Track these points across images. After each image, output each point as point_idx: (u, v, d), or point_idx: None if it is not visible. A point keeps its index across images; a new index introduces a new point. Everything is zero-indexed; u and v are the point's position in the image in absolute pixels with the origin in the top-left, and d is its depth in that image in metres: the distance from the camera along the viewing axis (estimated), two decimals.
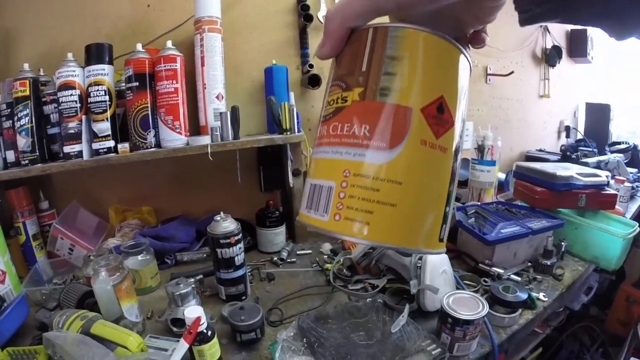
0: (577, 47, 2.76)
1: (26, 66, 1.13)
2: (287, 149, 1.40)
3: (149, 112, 1.19)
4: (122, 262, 0.93)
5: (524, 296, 0.95)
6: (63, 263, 1.24)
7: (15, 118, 1.13)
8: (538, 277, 1.15)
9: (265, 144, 1.33)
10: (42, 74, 1.20)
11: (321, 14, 1.55)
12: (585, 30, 2.70)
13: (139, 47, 1.19)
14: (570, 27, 2.74)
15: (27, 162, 1.14)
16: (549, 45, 2.60)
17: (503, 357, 1.14)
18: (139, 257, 1.14)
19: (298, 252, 1.40)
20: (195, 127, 1.32)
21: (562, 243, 1.25)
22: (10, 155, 1.16)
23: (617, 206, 1.44)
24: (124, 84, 1.22)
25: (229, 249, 1.02)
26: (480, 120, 2.03)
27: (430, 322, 0.93)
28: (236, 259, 1.04)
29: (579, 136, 2.76)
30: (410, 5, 0.32)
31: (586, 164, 1.91)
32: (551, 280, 1.14)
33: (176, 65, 1.20)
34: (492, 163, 1.62)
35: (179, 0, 1.39)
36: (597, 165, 2.06)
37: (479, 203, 1.52)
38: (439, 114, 0.31)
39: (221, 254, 1.02)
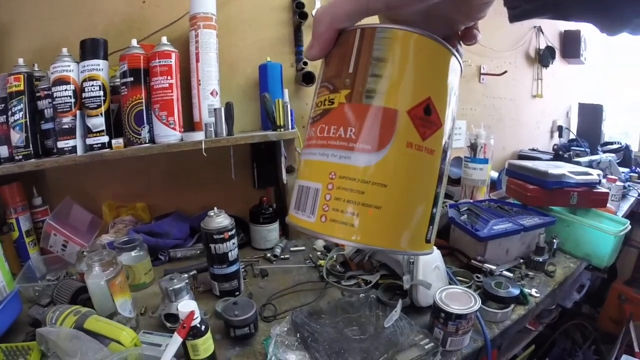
0: (571, 48, 2.78)
1: (21, 61, 1.13)
2: (280, 146, 1.40)
3: (144, 108, 1.19)
4: (115, 257, 0.93)
5: (516, 292, 0.95)
6: (56, 259, 1.23)
7: (9, 113, 1.12)
8: (530, 273, 1.16)
9: (259, 140, 1.33)
10: (36, 69, 1.19)
11: (314, 19, 1.55)
12: (579, 31, 2.73)
13: (134, 42, 1.19)
14: (563, 28, 2.76)
15: (20, 157, 1.13)
16: (542, 46, 2.63)
17: (496, 352, 1.15)
18: (133, 253, 1.13)
19: (291, 249, 1.40)
20: (190, 123, 1.32)
21: (554, 240, 1.27)
22: (4, 151, 1.15)
23: (609, 205, 1.46)
24: (118, 80, 1.21)
25: (222, 245, 1.02)
26: (473, 120, 2.04)
27: (423, 317, 0.94)
28: (230, 254, 1.04)
29: (572, 136, 2.79)
30: (399, 4, 0.32)
31: (578, 163, 1.93)
32: (543, 277, 1.16)
33: (171, 61, 1.19)
34: (485, 161, 1.63)
35: None
36: (589, 165, 2.08)
37: (471, 200, 1.53)
38: (426, 116, 0.31)
39: (215, 249, 1.02)
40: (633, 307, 1.97)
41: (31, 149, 1.14)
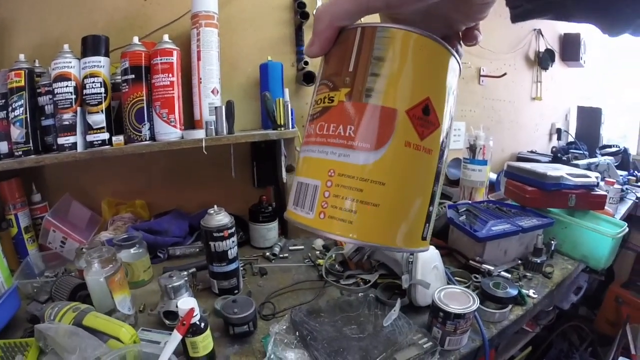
0: (570, 51, 2.79)
1: (21, 57, 1.12)
2: (280, 145, 1.41)
3: (145, 105, 1.19)
4: (115, 254, 0.93)
5: (514, 292, 0.96)
6: (55, 256, 1.23)
7: (10, 109, 1.12)
8: (528, 274, 1.16)
9: (259, 139, 1.33)
10: (37, 65, 1.19)
11: (314, 17, 1.55)
12: (579, 34, 2.73)
13: (136, 39, 1.19)
14: (563, 31, 2.77)
15: (20, 153, 1.13)
16: (542, 49, 2.63)
17: (493, 352, 1.15)
18: (132, 251, 1.14)
19: (290, 248, 1.41)
20: (190, 121, 1.32)
21: (552, 242, 1.27)
22: (4, 147, 1.15)
23: (606, 207, 1.47)
24: (119, 77, 1.21)
25: (222, 242, 1.02)
26: (472, 121, 2.05)
27: (422, 317, 0.94)
28: (229, 252, 1.04)
29: (570, 139, 2.80)
30: (399, 3, 0.32)
31: (577, 166, 1.93)
32: (541, 278, 1.16)
33: (172, 59, 1.20)
34: (484, 162, 1.64)
35: None
36: (588, 168, 2.08)
37: (470, 201, 1.53)
38: (425, 116, 0.31)
39: (214, 247, 1.02)
40: (630, 309, 1.98)
41: (31, 145, 1.14)
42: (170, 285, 0.91)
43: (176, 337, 0.72)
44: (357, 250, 1.12)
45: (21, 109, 1.12)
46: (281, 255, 1.35)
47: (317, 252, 1.34)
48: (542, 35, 2.60)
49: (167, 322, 0.91)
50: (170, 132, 1.22)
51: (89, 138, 1.16)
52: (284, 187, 1.45)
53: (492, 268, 1.11)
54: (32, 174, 1.28)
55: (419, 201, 0.32)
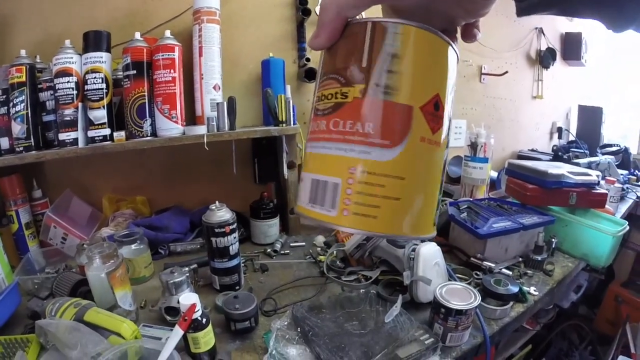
0: (571, 50, 2.79)
1: (23, 52, 1.12)
2: (282, 141, 1.40)
3: (146, 101, 1.19)
4: (116, 249, 0.93)
5: (515, 289, 0.96)
6: (56, 252, 1.23)
7: (11, 104, 1.12)
8: (529, 272, 1.16)
9: (261, 135, 1.33)
10: (38, 60, 1.19)
11: (319, 8, 1.55)
12: (580, 33, 2.73)
13: (137, 35, 1.19)
14: (565, 29, 2.77)
15: (21, 149, 1.13)
16: (543, 47, 2.63)
17: (494, 349, 1.15)
18: (133, 247, 1.13)
19: (291, 244, 1.40)
20: (192, 117, 1.32)
21: (553, 239, 1.27)
22: (5, 142, 1.15)
23: (607, 206, 1.47)
24: (121, 72, 1.21)
25: (223, 238, 1.02)
26: (473, 119, 2.05)
27: (423, 313, 0.94)
28: (231, 248, 1.04)
29: (571, 138, 2.80)
30: None
31: (577, 165, 1.94)
32: (541, 276, 1.16)
33: (174, 55, 1.19)
34: (485, 160, 1.64)
35: None
36: (588, 166, 2.08)
37: (471, 199, 1.53)
38: (435, 111, 0.32)
39: (216, 243, 1.02)
40: (629, 308, 1.98)
41: (32, 140, 1.14)
42: (171, 281, 0.91)
43: (178, 332, 0.72)
44: (358, 246, 1.12)
45: (22, 104, 1.12)
46: (282, 252, 1.34)
47: (318, 249, 1.34)
48: (544, 34, 2.60)
49: (168, 318, 0.91)
50: (171, 127, 1.21)
51: (90, 134, 1.15)
52: (286, 184, 1.45)
53: (493, 265, 1.12)
54: (33, 170, 1.28)
55: (432, 190, 0.34)
